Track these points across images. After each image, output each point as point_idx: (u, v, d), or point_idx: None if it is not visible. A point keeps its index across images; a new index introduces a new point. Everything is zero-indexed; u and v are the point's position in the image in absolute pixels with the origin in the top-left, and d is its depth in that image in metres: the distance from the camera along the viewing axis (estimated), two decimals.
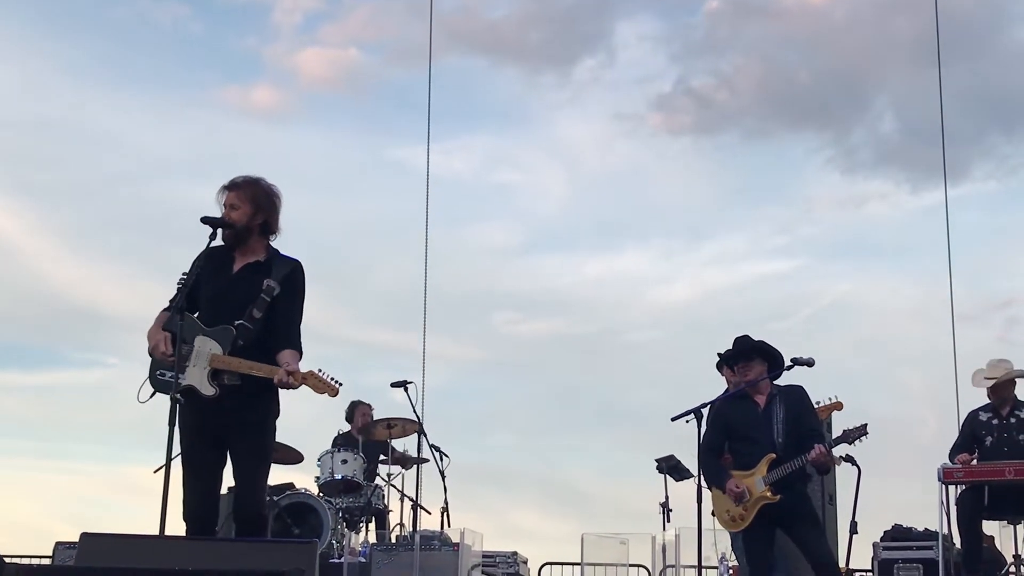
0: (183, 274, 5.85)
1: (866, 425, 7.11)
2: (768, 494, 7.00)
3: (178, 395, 5.51)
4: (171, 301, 5.88)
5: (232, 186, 5.91)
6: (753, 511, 7.09)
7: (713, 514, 7.34)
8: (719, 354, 7.55)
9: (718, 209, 18.11)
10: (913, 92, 13.02)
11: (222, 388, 5.69)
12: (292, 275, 5.89)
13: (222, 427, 5.73)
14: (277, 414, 5.90)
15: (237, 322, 5.76)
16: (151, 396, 5.78)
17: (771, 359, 7.26)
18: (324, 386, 5.71)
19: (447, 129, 16.39)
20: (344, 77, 17.72)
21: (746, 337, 7.38)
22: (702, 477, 7.20)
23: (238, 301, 5.80)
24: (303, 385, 5.66)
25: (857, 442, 7.14)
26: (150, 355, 5.83)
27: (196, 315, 5.87)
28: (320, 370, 5.73)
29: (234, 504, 5.89)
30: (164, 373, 5.73)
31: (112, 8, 17.09)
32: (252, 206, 5.88)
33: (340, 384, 5.75)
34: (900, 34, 14.59)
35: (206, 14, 17.38)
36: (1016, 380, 8.72)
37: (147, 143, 16.97)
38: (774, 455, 7.05)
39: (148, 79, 16.98)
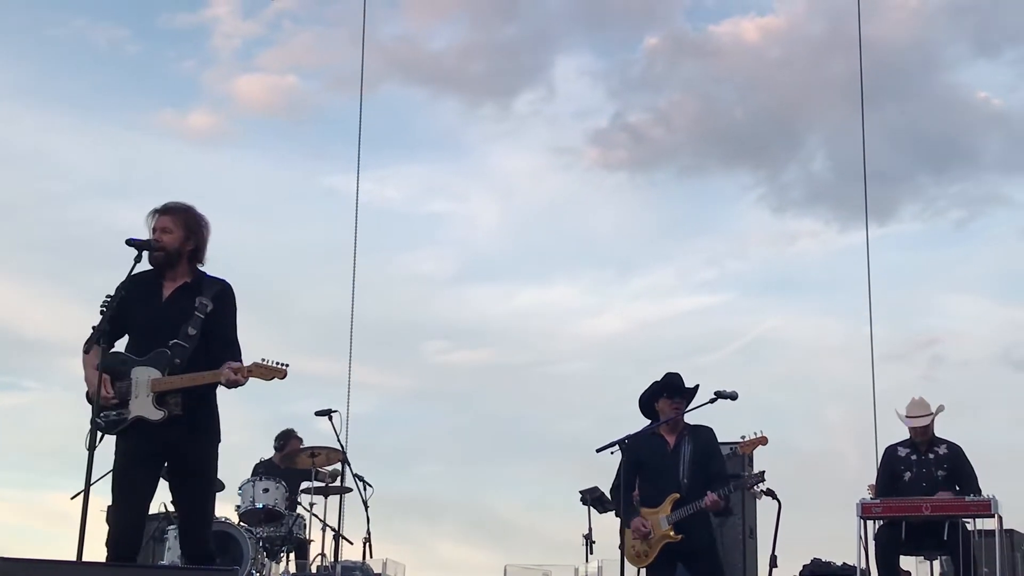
0: (106, 297, 5.78)
1: (763, 472, 7.43)
2: (671, 533, 7.19)
3: (100, 421, 5.46)
4: (94, 328, 5.81)
5: (165, 210, 5.88)
6: (656, 548, 7.32)
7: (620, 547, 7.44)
8: (658, 384, 7.58)
9: (649, 243, 18.33)
10: (844, 132, 13.23)
11: (168, 412, 5.62)
12: (223, 293, 5.87)
13: (163, 458, 5.69)
14: (219, 439, 5.86)
15: (171, 342, 5.70)
16: (101, 440, 5.60)
17: (690, 398, 7.45)
18: (272, 371, 5.66)
19: (381, 157, 16.39)
20: (282, 103, 17.69)
21: (679, 375, 7.51)
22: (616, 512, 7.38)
23: (172, 324, 5.74)
24: (251, 377, 5.62)
25: (756, 488, 7.37)
26: (89, 401, 5.69)
27: (126, 346, 5.81)
28: (263, 359, 5.70)
29: (183, 543, 5.89)
30: (108, 414, 5.63)
31: (48, 28, 16.94)
32: (184, 231, 5.86)
33: (287, 365, 5.71)
34: (833, 75, 14.85)
35: (144, 37, 17.30)
36: (935, 416, 8.86)
37: (77, 164, 16.82)
38: (678, 495, 7.23)
39: (82, 100, 16.83)
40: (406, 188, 17.72)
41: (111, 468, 5.67)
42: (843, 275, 15.57)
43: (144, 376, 5.66)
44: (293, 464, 10.19)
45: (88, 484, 5.28)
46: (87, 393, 5.75)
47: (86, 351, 5.83)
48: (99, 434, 5.61)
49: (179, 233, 5.83)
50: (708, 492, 7.17)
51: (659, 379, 7.56)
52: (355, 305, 11.85)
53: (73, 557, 5.16)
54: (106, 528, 5.67)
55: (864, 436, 10.76)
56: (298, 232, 17.19)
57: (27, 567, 4.75)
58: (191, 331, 5.71)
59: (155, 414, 5.60)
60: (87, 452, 5.44)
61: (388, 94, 16.44)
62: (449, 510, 17.05)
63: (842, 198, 15.46)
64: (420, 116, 17.83)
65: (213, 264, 6.04)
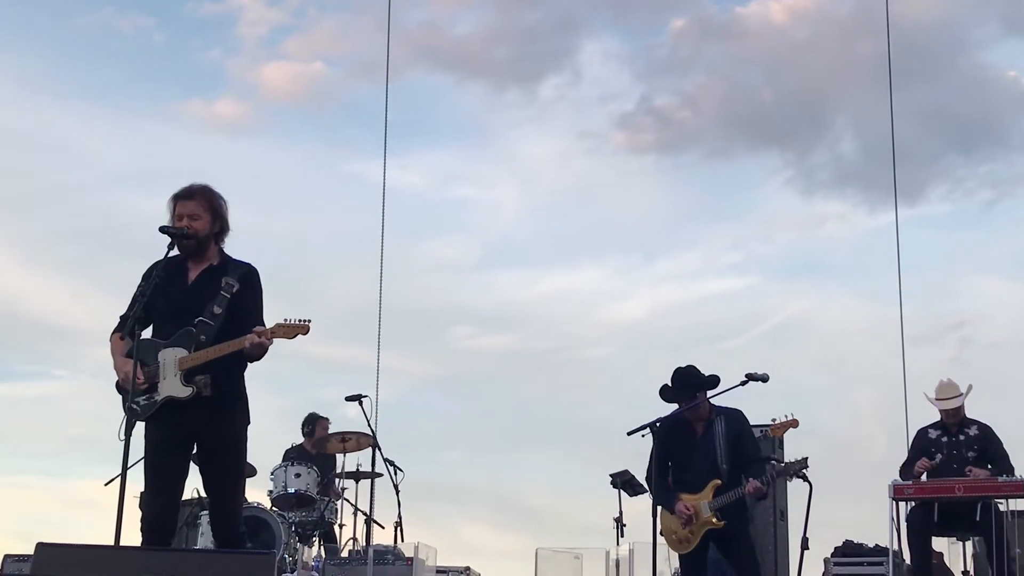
0: (142, 283, 5.81)
1: (807, 459, 7.29)
2: (714, 520, 7.18)
3: (135, 407, 5.49)
4: (122, 318, 5.85)
5: (189, 195, 5.84)
6: (699, 535, 7.28)
7: (662, 534, 7.39)
8: (663, 388, 7.55)
9: (675, 227, 18.27)
10: (872, 113, 13.09)
11: (197, 389, 5.63)
12: (249, 275, 5.87)
13: (192, 440, 5.71)
14: (248, 422, 5.87)
15: (196, 319, 5.71)
16: (131, 427, 5.60)
17: (710, 387, 7.39)
18: (295, 329, 5.68)
19: (406, 144, 16.38)
20: (308, 90, 17.69)
21: (687, 369, 7.45)
22: (652, 497, 7.34)
23: (198, 306, 5.74)
24: (275, 339, 5.64)
25: (801, 473, 7.31)
26: (119, 390, 5.74)
27: (151, 330, 5.80)
28: (285, 319, 5.71)
29: (214, 526, 5.89)
30: (136, 403, 5.62)
31: (76, 18, 16.98)
32: (211, 214, 5.85)
33: (309, 320, 5.72)
34: (861, 56, 14.73)
35: (171, 25, 17.33)
36: (966, 397, 8.84)
37: (103, 154, 16.88)
38: (719, 481, 7.20)
39: (108, 90, 16.86)
40: (431, 174, 17.72)
41: (121, 437, 5.66)
42: (871, 257, 15.54)
43: (171, 357, 5.68)
44: (324, 449, 10.24)
45: (124, 470, 5.31)
46: (117, 382, 5.79)
47: (115, 338, 5.84)
48: (134, 422, 5.65)
49: (207, 217, 5.83)
50: (750, 479, 7.13)
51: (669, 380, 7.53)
52: (383, 292, 11.85)
53: (108, 543, 5.20)
54: (139, 514, 5.70)
55: (893, 418, 10.72)
56: (323, 219, 17.24)
57: (66, 553, 4.79)
58: (216, 310, 5.71)
59: (183, 391, 5.62)
60: (121, 441, 5.42)
61: (413, 80, 16.44)
62: (476, 495, 17.09)
63: (870, 180, 15.37)
64: (445, 102, 17.80)
65: (239, 252, 6.06)
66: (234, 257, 5.97)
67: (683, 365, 7.50)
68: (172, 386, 5.65)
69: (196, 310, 5.74)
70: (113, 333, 5.88)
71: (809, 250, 17.30)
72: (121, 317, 5.89)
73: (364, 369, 11.57)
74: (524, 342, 17.99)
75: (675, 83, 17.74)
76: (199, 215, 5.81)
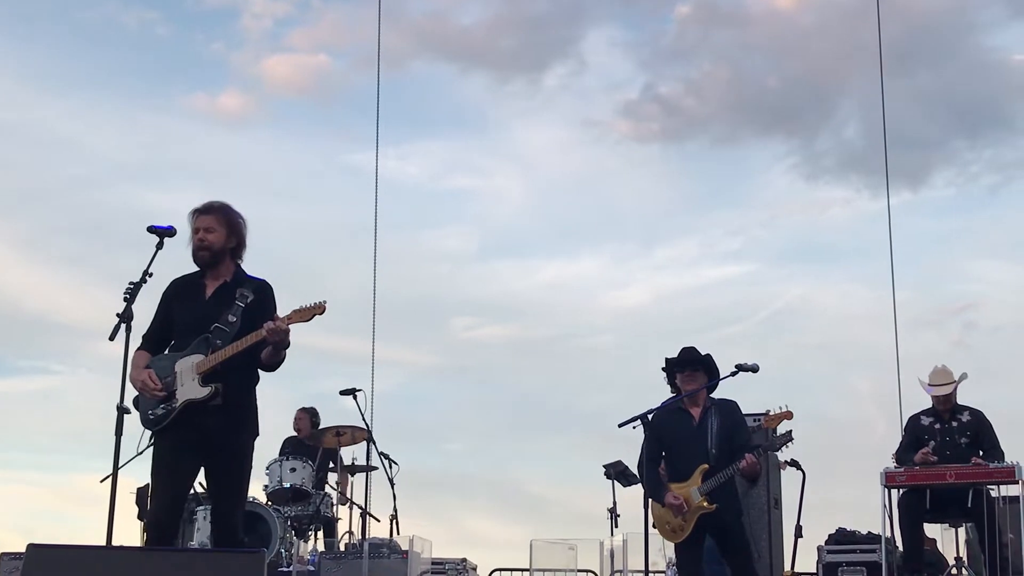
0: (129, 284, 5.84)
1: (791, 432, 7.39)
2: (705, 504, 7.17)
3: (151, 416, 5.57)
4: (144, 337, 5.98)
5: (207, 210, 6.00)
6: (692, 522, 7.27)
7: (654, 526, 7.41)
8: (667, 359, 7.60)
9: (676, 215, 18.26)
10: (877, 99, 13.09)
11: (215, 390, 5.71)
12: (263, 288, 5.98)
13: (202, 446, 5.76)
14: (257, 433, 5.96)
15: (212, 326, 5.81)
16: (151, 439, 5.79)
17: (712, 374, 7.42)
18: (310, 310, 5.72)
19: (406, 134, 16.49)
20: (312, 82, 17.72)
21: (693, 348, 7.49)
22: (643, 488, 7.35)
23: (215, 320, 5.86)
24: (292, 324, 5.68)
25: (784, 448, 7.35)
26: (135, 405, 5.80)
27: (170, 347, 5.94)
28: (301, 305, 5.76)
29: (214, 528, 5.98)
30: (153, 412, 5.74)
31: (79, 11, 17.01)
32: (227, 229, 5.99)
33: (324, 301, 5.75)
34: (867, 41, 14.68)
35: (175, 18, 17.36)
36: (958, 385, 8.87)
37: (105, 148, 16.93)
38: (707, 465, 7.22)
39: (111, 83, 16.94)
40: (430, 164, 17.73)
41: (140, 449, 5.74)
42: (872, 242, 15.50)
43: (188, 364, 5.79)
44: (319, 443, 10.28)
45: (116, 470, 5.35)
46: (135, 399, 5.86)
47: (138, 354, 5.92)
48: (150, 435, 5.78)
49: (222, 231, 5.97)
50: (745, 455, 7.11)
51: (673, 356, 7.57)
52: (382, 283, 11.90)
53: (102, 541, 5.25)
54: (135, 510, 5.75)
55: (889, 403, 10.77)
56: (327, 211, 17.28)
57: (57, 554, 4.83)
58: (231, 318, 5.83)
59: (200, 392, 5.71)
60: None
61: (417, 71, 16.45)
62: (476, 485, 17.16)
63: (875, 165, 15.29)
64: (448, 92, 17.79)
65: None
66: (248, 274, 6.08)
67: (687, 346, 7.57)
68: (190, 390, 5.74)
69: (214, 323, 5.85)
70: (137, 350, 5.95)
71: (810, 236, 17.33)
72: (143, 337, 6.01)
73: (363, 360, 11.64)
74: (524, 331, 18.06)
75: (680, 71, 17.74)
76: (214, 228, 5.96)
